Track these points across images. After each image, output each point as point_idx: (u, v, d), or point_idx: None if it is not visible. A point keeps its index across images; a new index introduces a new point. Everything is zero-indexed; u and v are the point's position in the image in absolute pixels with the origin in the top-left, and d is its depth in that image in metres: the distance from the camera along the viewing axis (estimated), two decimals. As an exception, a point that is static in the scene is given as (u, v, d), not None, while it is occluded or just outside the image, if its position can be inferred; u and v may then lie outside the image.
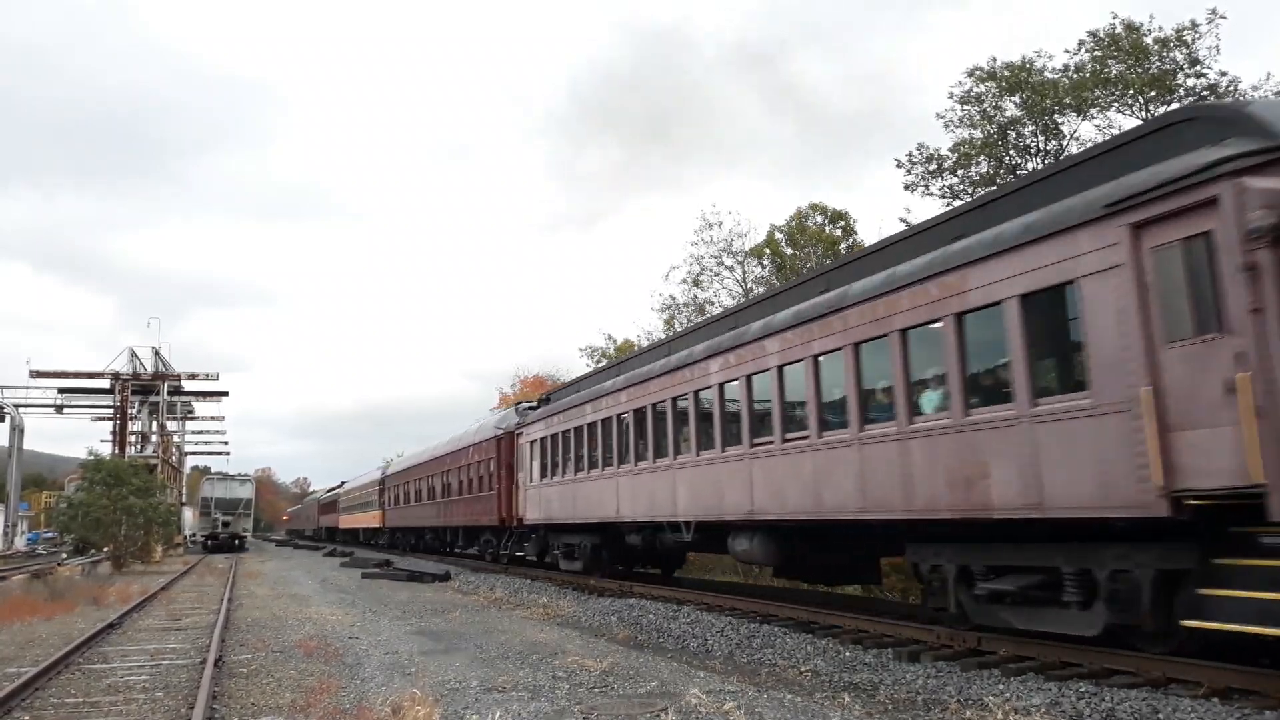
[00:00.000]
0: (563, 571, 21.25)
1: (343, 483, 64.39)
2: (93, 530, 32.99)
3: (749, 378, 12.53)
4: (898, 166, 23.62)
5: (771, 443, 11.96)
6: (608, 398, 17.73)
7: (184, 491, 61.15)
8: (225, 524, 53.41)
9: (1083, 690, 7.37)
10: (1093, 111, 20.91)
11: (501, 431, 25.42)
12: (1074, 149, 20.58)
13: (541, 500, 21.56)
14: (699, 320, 22.40)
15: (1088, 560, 8.00)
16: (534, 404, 24.60)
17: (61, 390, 48.93)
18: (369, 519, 48.94)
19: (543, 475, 21.53)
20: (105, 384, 48.61)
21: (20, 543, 54.17)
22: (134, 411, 49.86)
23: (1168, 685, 7.38)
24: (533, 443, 22.40)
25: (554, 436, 20.89)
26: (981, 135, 22.37)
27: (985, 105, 22.27)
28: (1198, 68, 19.64)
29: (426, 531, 36.73)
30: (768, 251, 31.42)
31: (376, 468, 50.63)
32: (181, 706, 8.13)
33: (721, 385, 13.34)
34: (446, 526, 32.81)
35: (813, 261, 28.71)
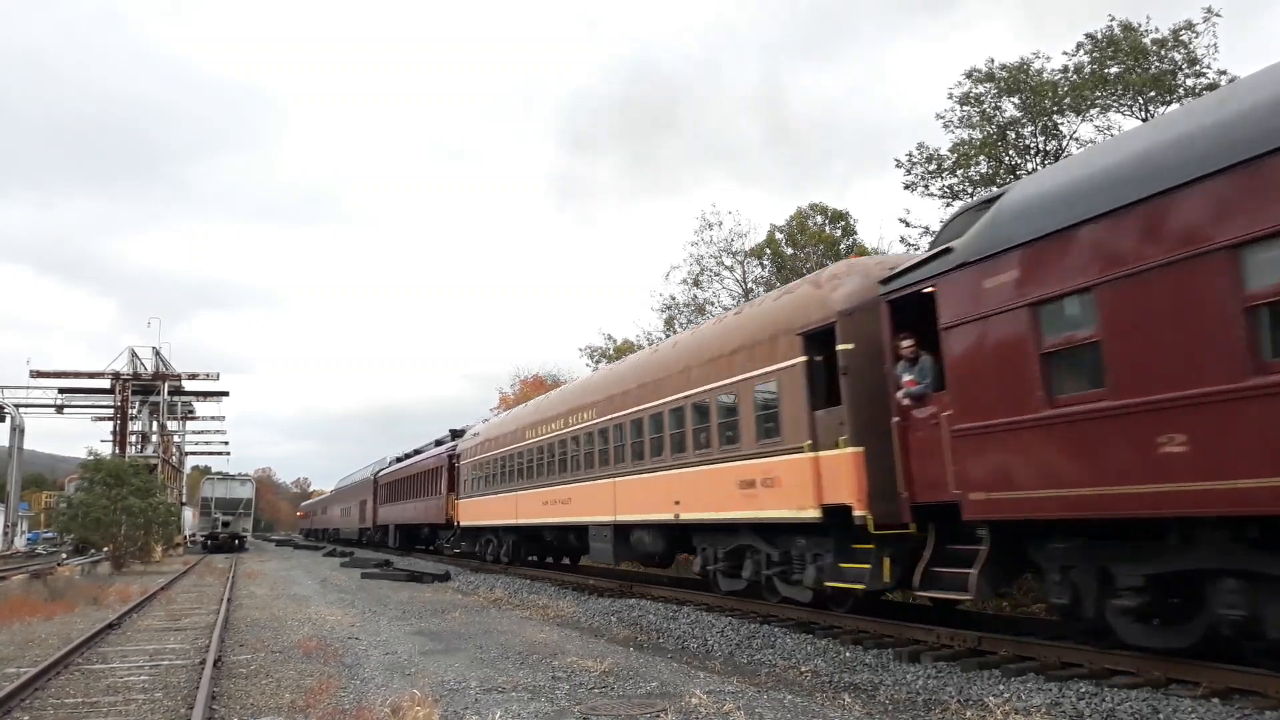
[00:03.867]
0: None
1: (461, 432, 33.43)
2: (93, 530, 32.97)
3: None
4: (897, 166, 23.56)
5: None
6: None
7: (184, 491, 61.15)
8: (225, 524, 53.38)
9: (1083, 690, 7.37)
10: (1092, 112, 20.89)
11: None
12: (1074, 150, 20.57)
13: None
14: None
15: None
16: None
17: (62, 390, 48.96)
18: (650, 495, 15.26)
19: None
20: (105, 384, 48.62)
21: (20, 543, 54.18)
22: (134, 411, 49.85)
23: (1168, 685, 7.38)
24: None
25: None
26: (981, 135, 22.34)
27: (985, 106, 22.24)
28: (1196, 67, 19.63)
29: None
30: (768, 251, 31.40)
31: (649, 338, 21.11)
32: (181, 707, 8.12)
33: None
34: None
35: (813, 262, 28.64)
